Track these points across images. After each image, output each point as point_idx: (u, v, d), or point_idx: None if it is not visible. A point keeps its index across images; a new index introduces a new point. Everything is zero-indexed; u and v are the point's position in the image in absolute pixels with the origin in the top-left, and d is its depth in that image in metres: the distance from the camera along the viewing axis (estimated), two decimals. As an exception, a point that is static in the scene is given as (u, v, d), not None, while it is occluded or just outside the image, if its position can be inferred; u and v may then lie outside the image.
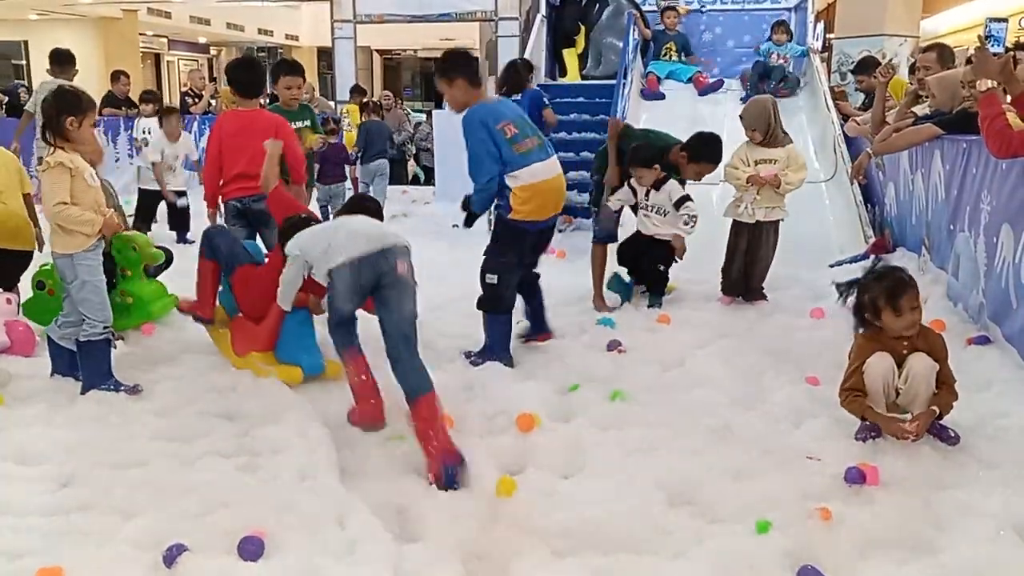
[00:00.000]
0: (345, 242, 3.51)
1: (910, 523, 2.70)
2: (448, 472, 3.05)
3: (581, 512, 2.83)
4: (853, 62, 9.52)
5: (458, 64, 4.22)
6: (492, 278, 4.31)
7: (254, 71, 5.17)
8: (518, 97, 8.56)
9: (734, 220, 5.42)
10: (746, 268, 5.40)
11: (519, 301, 4.54)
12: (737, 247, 5.40)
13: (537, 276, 4.60)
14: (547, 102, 8.22)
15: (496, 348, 4.38)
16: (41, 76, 14.52)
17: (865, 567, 2.51)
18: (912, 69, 7.62)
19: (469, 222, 4.33)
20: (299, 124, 5.72)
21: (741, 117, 5.44)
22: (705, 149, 5.28)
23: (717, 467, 3.12)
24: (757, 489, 2.94)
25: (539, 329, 4.65)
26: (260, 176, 4.48)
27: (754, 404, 3.78)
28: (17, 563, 2.47)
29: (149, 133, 9.28)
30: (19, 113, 11.56)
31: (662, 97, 9.52)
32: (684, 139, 5.43)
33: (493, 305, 4.37)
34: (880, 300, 3.24)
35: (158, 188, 8.19)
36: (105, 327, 3.83)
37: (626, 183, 5.46)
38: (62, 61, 8.02)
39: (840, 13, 11.73)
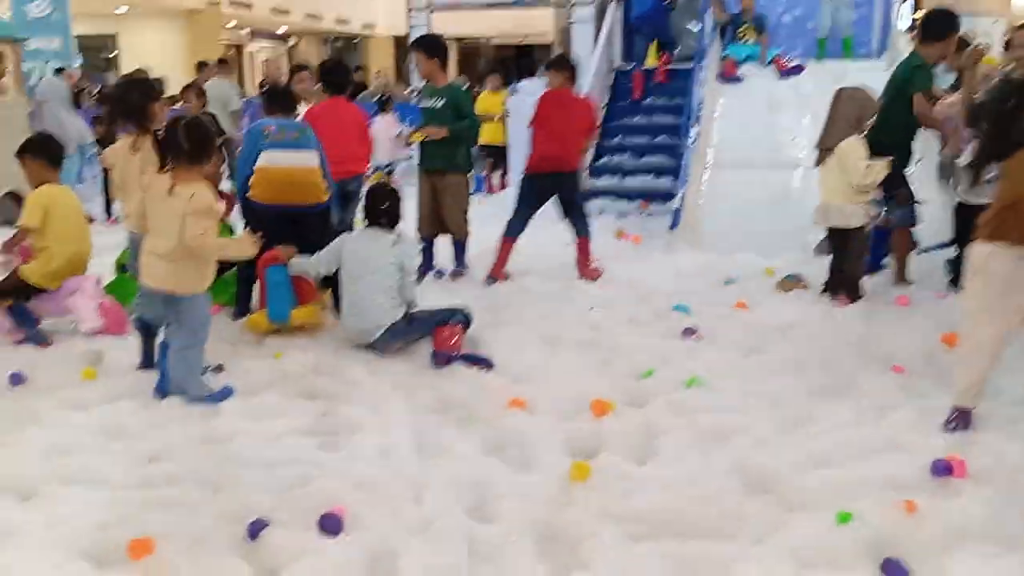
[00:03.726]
0: (347, 309, 4.32)
1: (999, 517, 2.61)
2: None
3: (655, 497, 2.81)
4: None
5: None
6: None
7: (341, 71, 5.83)
8: None
9: (853, 228, 4.99)
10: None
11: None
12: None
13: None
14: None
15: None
16: (131, 68, 15.03)
17: (951, 561, 2.43)
18: (1007, 46, 7.30)
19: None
20: (430, 103, 5.78)
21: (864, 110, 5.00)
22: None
23: (796, 455, 3.06)
24: (838, 479, 2.87)
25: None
26: (350, 159, 5.19)
27: (836, 393, 3.69)
28: (109, 533, 2.58)
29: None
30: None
31: (740, 80, 9.32)
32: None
33: None
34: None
35: None
36: None
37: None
38: (224, 64, 10.14)
39: (930, -9, 11.30)
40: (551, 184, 5.80)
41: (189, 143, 3.53)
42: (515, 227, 5.83)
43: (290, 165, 4.59)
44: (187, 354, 3.63)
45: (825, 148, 5.00)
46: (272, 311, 4.48)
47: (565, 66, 6.01)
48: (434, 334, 4.18)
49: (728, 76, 9.29)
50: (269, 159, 4.58)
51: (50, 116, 6.55)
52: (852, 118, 4.94)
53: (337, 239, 4.52)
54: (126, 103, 4.00)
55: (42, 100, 6.71)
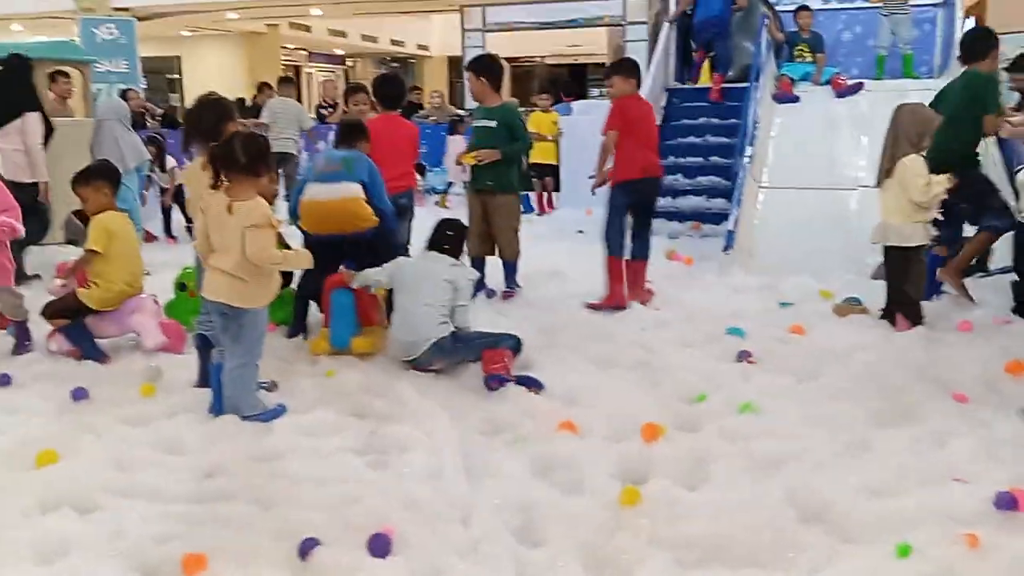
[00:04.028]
0: (397, 322, 4.38)
1: (1069, 554, 2.51)
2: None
3: (707, 524, 2.76)
4: (1008, 60, 8.95)
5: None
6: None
7: (397, 85, 5.88)
8: None
9: (911, 248, 4.88)
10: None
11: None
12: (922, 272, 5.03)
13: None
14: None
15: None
16: (193, 90, 15.46)
17: (1017, 599, 2.35)
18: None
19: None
20: (481, 122, 5.86)
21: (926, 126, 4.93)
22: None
23: (853, 484, 2.98)
24: (897, 510, 2.79)
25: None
26: (401, 175, 5.26)
27: (895, 420, 3.60)
28: (164, 547, 2.62)
29: None
30: (177, 125, 12.37)
31: (796, 100, 9.22)
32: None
33: None
34: None
35: None
36: None
37: None
38: (289, 83, 10.67)
39: (993, 8, 11.06)
40: (649, 191, 5.75)
41: (245, 156, 3.56)
42: (619, 242, 5.65)
43: (328, 199, 4.68)
44: (242, 372, 3.68)
45: (886, 167, 4.91)
46: (334, 336, 4.54)
47: (633, 70, 5.78)
48: (482, 358, 4.17)
49: (784, 95, 9.20)
50: (309, 193, 4.73)
51: (107, 134, 6.79)
52: (914, 135, 4.85)
53: (397, 259, 4.58)
54: (199, 124, 4.07)
55: (102, 119, 6.95)
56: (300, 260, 3.87)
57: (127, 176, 6.81)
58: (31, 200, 6.10)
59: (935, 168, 4.82)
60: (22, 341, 4.66)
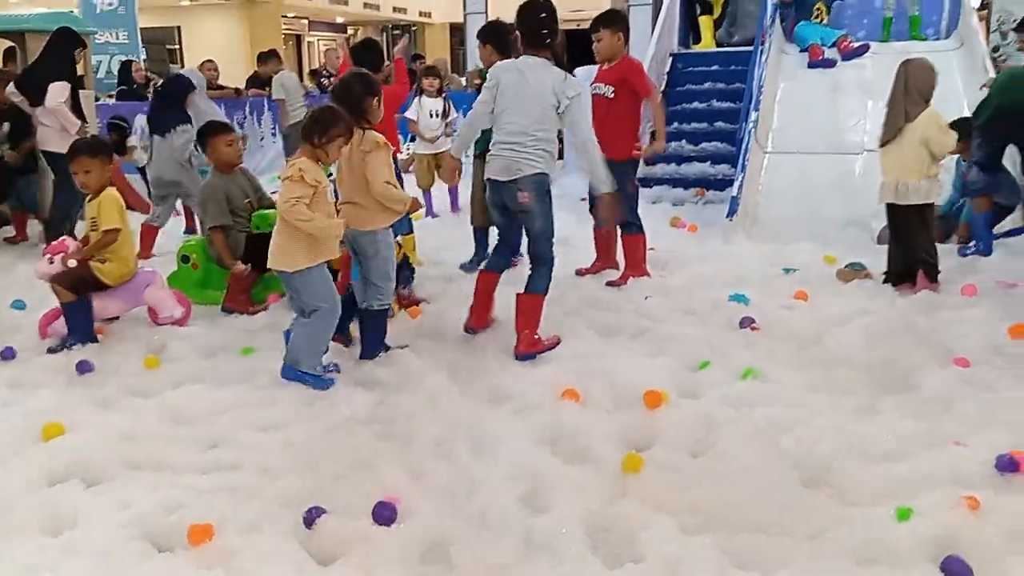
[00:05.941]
0: (489, 162, 4.22)
1: (1070, 516, 2.52)
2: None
3: (710, 490, 2.78)
4: (1015, 20, 8.84)
5: None
6: None
7: (372, 51, 5.72)
8: None
9: (927, 205, 4.89)
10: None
11: None
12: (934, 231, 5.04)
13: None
14: None
15: None
16: (194, 60, 15.38)
17: (1016, 561, 2.35)
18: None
19: None
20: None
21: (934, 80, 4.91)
22: None
23: (856, 449, 3.00)
24: (899, 473, 2.81)
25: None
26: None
27: (897, 385, 3.61)
28: (173, 516, 2.65)
29: (436, 116, 8.52)
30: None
31: (831, 65, 8.87)
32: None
33: None
34: None
35: None
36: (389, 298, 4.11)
37: None
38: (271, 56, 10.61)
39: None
40: None
41: (308, 123, 3.66)
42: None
43: None
44: (313, 326, 3.74)
45: (897, 124, 4.87)
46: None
47: (624, 24, 5.39)
48: (518, 305, 4.16)
49: (818, 61, 8.91)
50: None
51: (194, 104, 6.90)
52: (926, 89, 4.83)
53: (489, 75, 4.31)
54: (344, 96, 4.02)
55: None
56: (329, 227, 3.66)
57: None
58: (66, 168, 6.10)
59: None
60: None
